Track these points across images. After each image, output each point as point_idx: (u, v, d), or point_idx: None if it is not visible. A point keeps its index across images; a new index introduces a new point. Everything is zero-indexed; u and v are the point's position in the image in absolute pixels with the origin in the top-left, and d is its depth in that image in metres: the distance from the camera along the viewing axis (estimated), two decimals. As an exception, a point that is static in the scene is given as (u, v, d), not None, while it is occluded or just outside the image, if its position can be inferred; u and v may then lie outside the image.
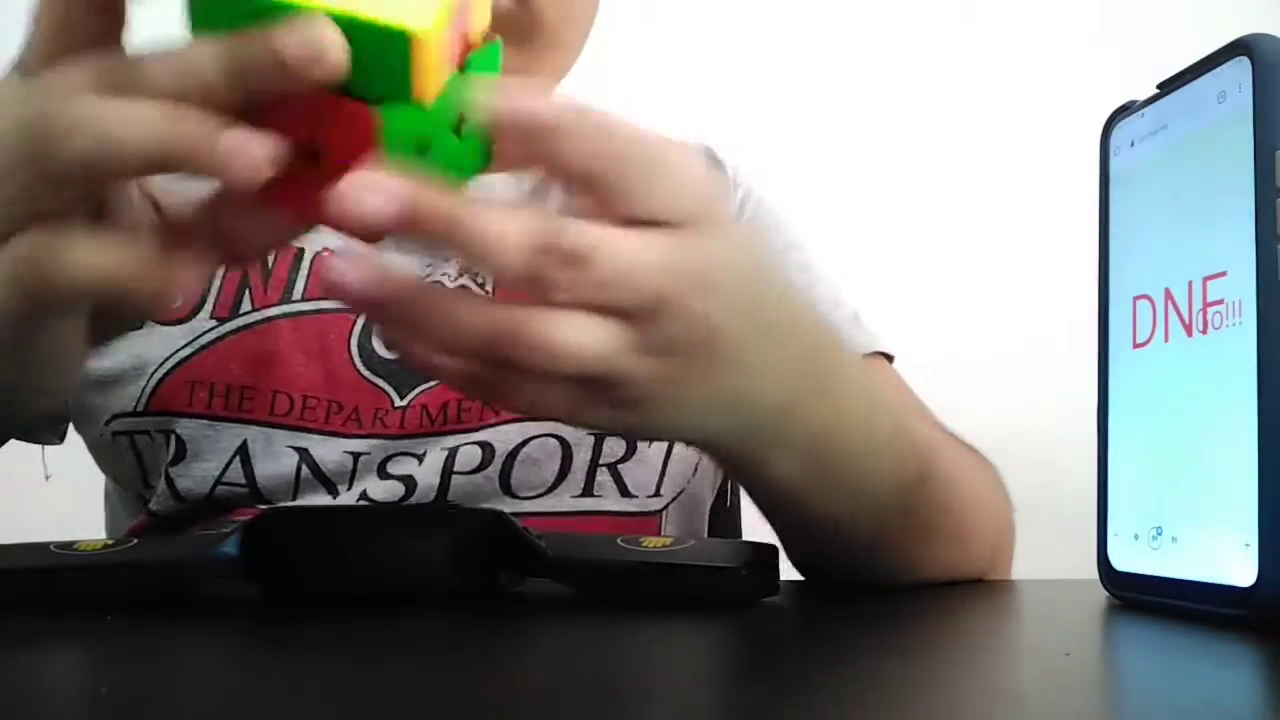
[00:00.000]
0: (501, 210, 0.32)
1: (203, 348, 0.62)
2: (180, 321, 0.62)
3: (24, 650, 0.34)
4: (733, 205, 0.74)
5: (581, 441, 0.63)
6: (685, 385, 0.36)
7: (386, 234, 0.31)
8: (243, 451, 0.60)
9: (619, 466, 0.63)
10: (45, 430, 0.69)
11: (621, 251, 0.32)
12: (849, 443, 0.43)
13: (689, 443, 0.41)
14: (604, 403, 0.35)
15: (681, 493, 0.67)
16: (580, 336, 0.33)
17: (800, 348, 0.40)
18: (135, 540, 0.44)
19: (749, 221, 0.74)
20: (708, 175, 0.36)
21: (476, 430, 0.62)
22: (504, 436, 0.62)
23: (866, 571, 0.49)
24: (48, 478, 0.74)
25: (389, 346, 0.35)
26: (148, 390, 0.61)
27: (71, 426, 0.69)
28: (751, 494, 0.46)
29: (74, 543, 0.43)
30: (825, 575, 0.52)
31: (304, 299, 0.64)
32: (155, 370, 0.61)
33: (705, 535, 0.72)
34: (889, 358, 0.71)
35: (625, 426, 0.36)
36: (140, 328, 0.63)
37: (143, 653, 0.34)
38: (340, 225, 0.30)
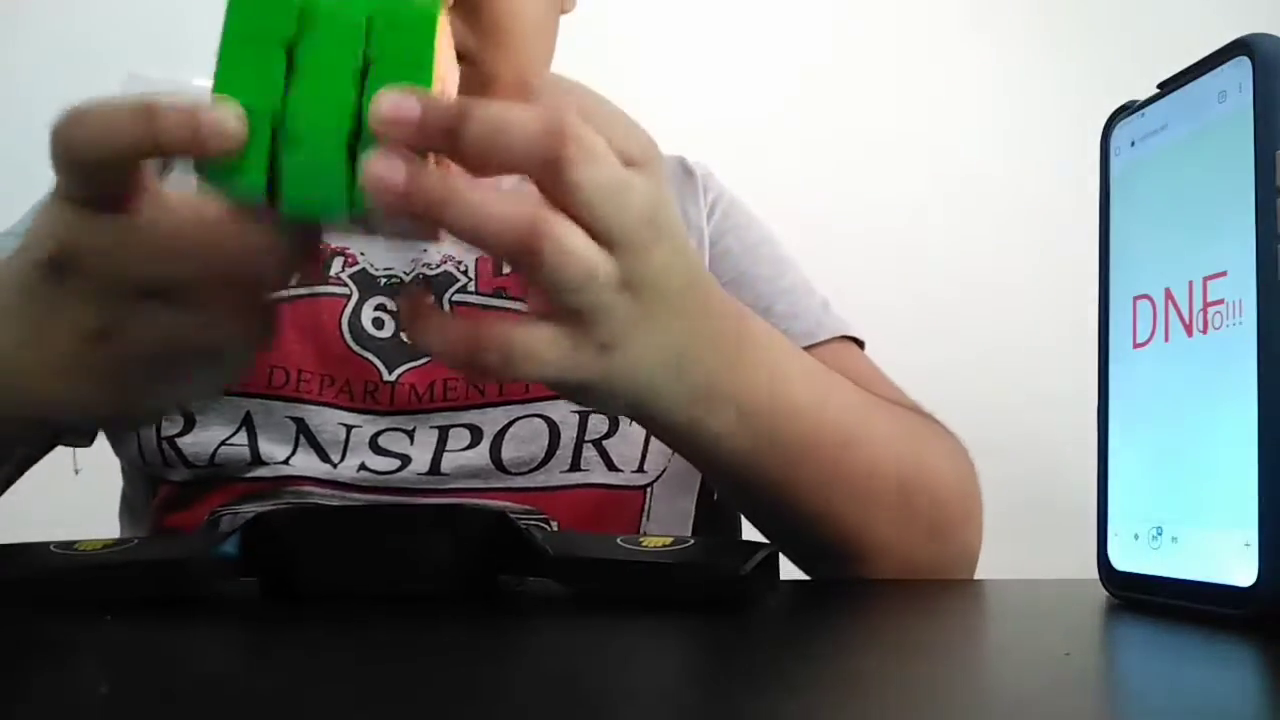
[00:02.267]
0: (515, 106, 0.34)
1: None
2: None
3: (23, 650, 0.34)
4: (702, 210, 0.77)
5: (566, 420, 0.66)
6: (649, 329, 0.38)
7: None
8: (247, 421, 0.65)
9: (604, 442, 0.67)
10: (74, 433, 0.73)
11: (616, 166, 0.35)
12: (782, 407, 0.47)
13: (642, 412, 0.43)
14: (587, 345, 0.37)
15: (665, 471, 0.68)
16: (585, 247, 0.35)
17: (721, 311, 0.44)
18: (135, 540, 0.44)
19: (720, 223, 0.77)
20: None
21: (464, 410, 0.66)
22: (490, 418, 0.66)
23: (822, 536, 0.52)
24: (77, 472, 0.78)
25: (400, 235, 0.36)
26: None
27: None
28: (700, 466, 0.49)
29: (74, 543, 0.43)
30: (785, 544, 0.53)
31: (299, 284, 0.68)
32: None
33: (693, 515, 0.74)
34: (860, 344, 0.74)
35: (601, 373, 0.38)
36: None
37: (142, 653, 0.34)
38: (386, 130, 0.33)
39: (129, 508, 0.74)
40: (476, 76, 0.67)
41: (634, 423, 0.65)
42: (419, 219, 0.33)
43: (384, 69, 0.33)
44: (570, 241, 0.34)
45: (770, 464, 0.47)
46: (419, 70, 0.33)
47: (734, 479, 0.49)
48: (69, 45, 1.59)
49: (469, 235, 0.34)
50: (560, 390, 0.39)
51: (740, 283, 0.74)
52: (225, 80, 0.33)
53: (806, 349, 0.67)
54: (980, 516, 0.61)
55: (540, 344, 0.36)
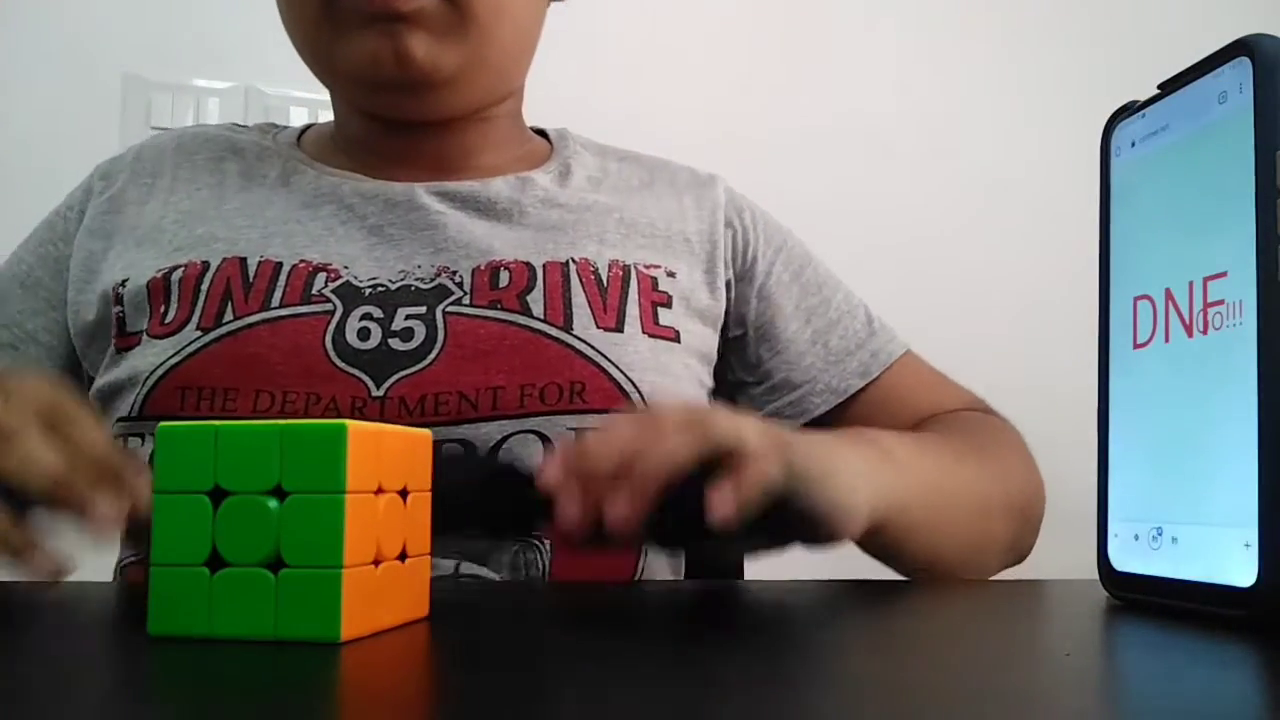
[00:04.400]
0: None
1: (189, 356, 0.65)
2: (170, 335, 0.67)
3: (23, 652, 0.34)
4: (720, 219, 0.78)
5: (560, 436, 0.64)
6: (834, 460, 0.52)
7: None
8: None
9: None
10: None
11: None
12: (929, 477, 0.62)
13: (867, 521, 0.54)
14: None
15: None
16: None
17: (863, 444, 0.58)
18: None
19: (764, 248, 0.79)
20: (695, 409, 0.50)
21: (456, 425, 0.64)
22: (483, 433, 0.64)
23: (940, 571, 0.64)
24: None
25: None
26: (140, 397, 0.65)
27: None
28: (899, 551, 0.61)
29: None
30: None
31: (281, 305, 0.67)
32: (147, 379, 0.65)
33: None
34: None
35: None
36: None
37: (141, 652, 0.34)
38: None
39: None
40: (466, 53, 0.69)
41: None
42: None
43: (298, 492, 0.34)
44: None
45: (929, 520, 0.60)
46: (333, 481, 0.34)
47: (916, 542, 0.61)
48: (68, 45, 1.59)
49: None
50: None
51: (796, 315, 0.77)
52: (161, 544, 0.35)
53: (865, 387, 0.76)
54: (1043, 502, 0.73)
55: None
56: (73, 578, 0.52)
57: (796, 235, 0.82)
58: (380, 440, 0.36)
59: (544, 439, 0.64)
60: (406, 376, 0.64)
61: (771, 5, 1.87)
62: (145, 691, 0.30)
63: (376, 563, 0.36)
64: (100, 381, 0.69)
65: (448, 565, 0.62)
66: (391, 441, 0.37)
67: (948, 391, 0.79)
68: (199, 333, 0.66)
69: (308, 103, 1.59)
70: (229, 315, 0.66)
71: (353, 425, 0.34)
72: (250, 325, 0.66)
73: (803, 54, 1.87)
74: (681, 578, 0.74)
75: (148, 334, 0.68)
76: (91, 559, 0.78)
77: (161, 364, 0.65)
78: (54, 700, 0.27)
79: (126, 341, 0.69)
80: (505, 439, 0.64)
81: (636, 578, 0.67)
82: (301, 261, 0.69)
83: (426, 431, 0.40)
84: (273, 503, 0.34)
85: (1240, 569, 0.37)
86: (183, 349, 0.65)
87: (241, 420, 0.60)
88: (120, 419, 0.66)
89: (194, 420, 0.63)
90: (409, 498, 0.38)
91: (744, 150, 1.70)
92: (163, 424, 0.35)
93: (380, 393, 0.64)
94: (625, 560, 0.67)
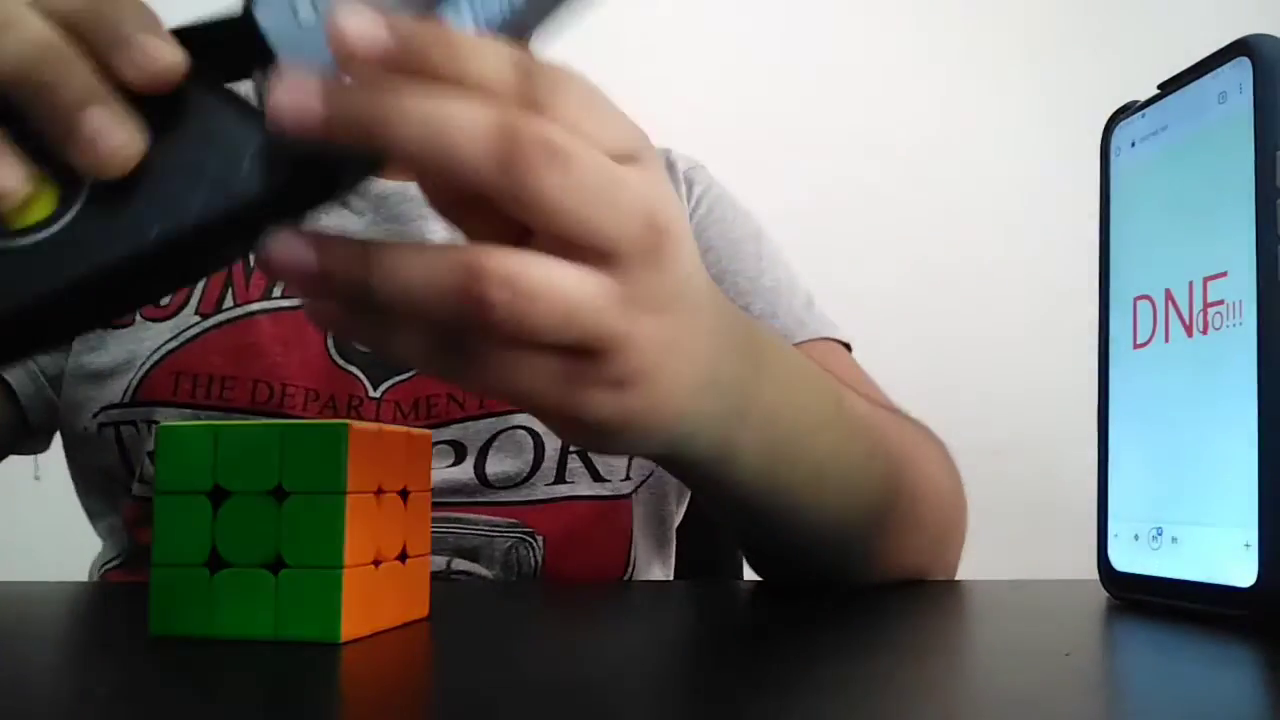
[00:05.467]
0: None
1: (187, 341, 0.65)
2: (167, 318, 0.66)
3: (22, 652, 0.34)
4: (683, 206, 0.76)
5: (546, 431, 0.64)
6: (679, 352, 0.32)
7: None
8: None
9: (589, 452, 0.66)
10: (33, 441, 0.71)
11: (600, 160, 0.28)
12: (802, 420, 0.43)
13: (678, 450, 0.36)
14: (599, 380, 0.30)
15: (650, 476, 0.68)
16: (556, 277, 0.28)
17: (735, 311, 0.38)
18: None
19: (703, 218, 0.76)
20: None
21: (445, 425, 0.64)
22: (473, 433, 0.65)
23: (828, 569, 0.50)
24: (37, 478, 0.78)
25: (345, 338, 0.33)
26: (135, 382, 0.64)
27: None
28: (717, 497, 0.44)
29: None
30: (785, 574, 0.53)
31: (284, 295, 0.67)
32: (143, 364, 0.64)
33: (675, 522, 0.74)
34: (847, 347, 0.72)
35: (623, 414, 0.31)
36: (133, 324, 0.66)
37: (141, 652, 0.34)
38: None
39: (108, 528, 0.71)
40: None
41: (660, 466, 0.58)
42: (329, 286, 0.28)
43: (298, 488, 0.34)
44: (532, 274, 0.27)
45: (791, 481, 0.43)
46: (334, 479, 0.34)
47: (751, 502, 0.43)
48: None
49: (394, 305, 0.27)
50: (577, 439, 0.33)
51: (719, 280, 0.72)
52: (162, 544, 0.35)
53: None
54: (963, 536, 0.60)
55: (530, 367, 0.29)
56: (66, 578, 0.53)
57: (756, 219, 0.79)
58: (380, 440, 0.36)
59: (533, 434, 0.65)
60: (401, 382, 0.65)
61: (774, 7, 1.87)
62: (145, 691, 0.29)
63: (376, 563, 0.36)
64: (86, 360, 0.65)
65: (439, 562, 0.62)
66: (392, 441, 0.37)
67: (871, 390, 0.68)
68: (197, 317, 0.65)
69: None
70: (229, 301, 0.66)
71: (353, 425, 0.34)
72: (251, 314, 0.66)
73: (799, 52, 1.87)
74: (671, 577, 0.74)
75: (142, 315, 0.66)
76: (72, 557, 0.79)
77: (158, 348, 0.65)
78: (54, 700, 0.27)
79: (118, 320, 0.66)
80: (495, 436, 0.65)
81: (627, 576, 0.67)
82: None
83: (427, 432, 0.40)
84: (273, 503, 0.34)
85: (1240, 569, 0.37)
86: (180, 334, 0.65)
87: (239, 411, 0.58)
88: (113, 405, 0.64)
89: (189, 407, 0.63)
90: (409, 498, 0.38)
91: (744, 151, 1.70)
92: (163, 424, 0.35)
93: (376, 394, 0.65)
94: (616, 552, 0.67)
